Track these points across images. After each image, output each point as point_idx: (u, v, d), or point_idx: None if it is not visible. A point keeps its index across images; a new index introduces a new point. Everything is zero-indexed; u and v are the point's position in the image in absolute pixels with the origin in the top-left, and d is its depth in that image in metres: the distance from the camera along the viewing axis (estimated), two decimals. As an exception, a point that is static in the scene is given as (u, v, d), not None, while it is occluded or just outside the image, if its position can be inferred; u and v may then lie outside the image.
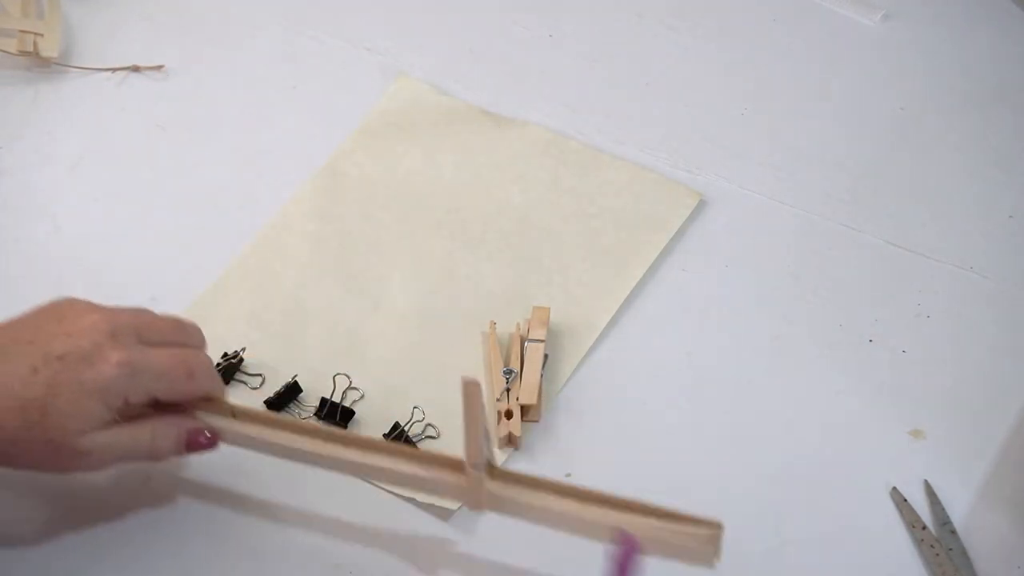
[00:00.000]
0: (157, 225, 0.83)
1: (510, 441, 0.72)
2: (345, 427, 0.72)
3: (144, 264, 0.80)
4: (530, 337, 0.76)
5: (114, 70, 0.92)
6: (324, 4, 0.97)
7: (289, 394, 0.74)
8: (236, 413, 0.66)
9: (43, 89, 0.90)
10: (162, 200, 0.85)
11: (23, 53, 0.89)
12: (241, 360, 0.75)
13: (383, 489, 0.69)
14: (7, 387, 0.58)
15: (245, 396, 0.74)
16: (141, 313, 0.64)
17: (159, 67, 0.92)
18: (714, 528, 0.60)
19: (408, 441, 0.72)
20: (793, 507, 0.71)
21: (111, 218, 0.84)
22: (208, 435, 0.65)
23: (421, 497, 0.68)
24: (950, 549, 0.69)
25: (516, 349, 0.76)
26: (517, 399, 0.73)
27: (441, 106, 0.90)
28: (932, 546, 0.69)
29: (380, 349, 0.77)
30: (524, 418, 0.73)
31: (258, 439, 0.65)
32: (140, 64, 0.92)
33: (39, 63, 0.91)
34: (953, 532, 0.69)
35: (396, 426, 0.72)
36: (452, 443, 0.69)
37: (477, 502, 0.64)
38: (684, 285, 0.81)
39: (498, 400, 0.73)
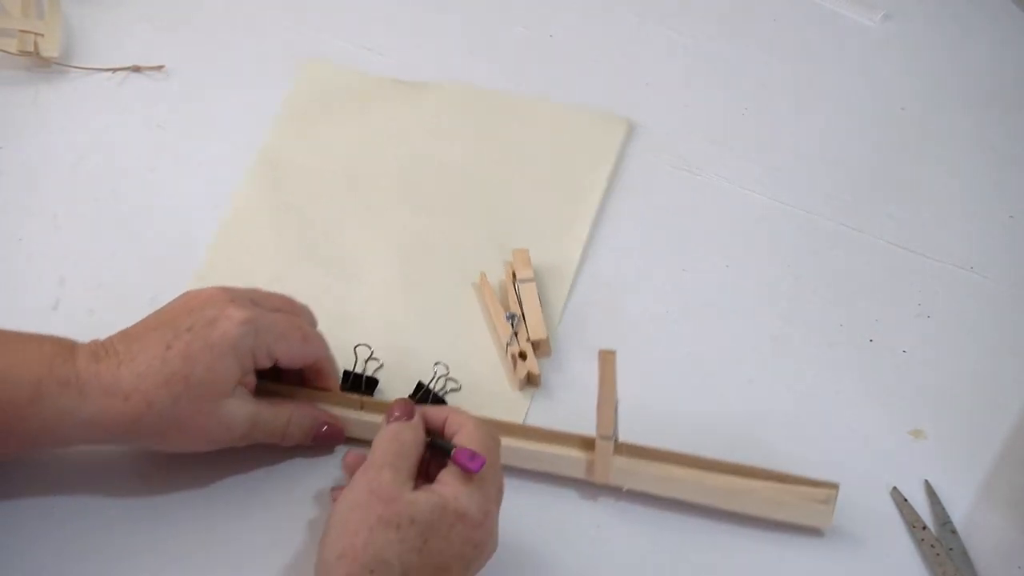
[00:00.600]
0: (157, 225, 0.83)
1: (530, 381, 0.75)
2: (372, 396, 0.74)
3: (144, 264, 0.80)
4: (520, 278, 0.78)
5: (114, 70, 0.92)
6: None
7: None
8: (364, 404, 0.70)
9: (43, 89, 0.90)
10: (162, 200, 0.85)
11: (23, 53, 0.89)
12: None
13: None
14: (149, 367, 0.63)
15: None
16: (254, 288, 0.69)
17: (159, 67, 0.92)
18: (831, 488, 0.67)
19: (436, 397, 0.74)
20: (793, 507, 0.71)
21: (111, 218, 0.84)
22: (338, 433, 0.70)
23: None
24: (950, 549, 0.69)
25: (511, 294, 0.78)
26: (527, 339, 0.75)
27: (353, 83, 0.92)
28: (932, 546, 0.69)
29: (376, 319, 0.78)
30: (537, 355, 0.75)
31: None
32: (140, 64, 0.92)
33: (39, 63, 0.91)
34: (953, 532, 0.69)
35: (420, 386, 0.74)
36: (472, 393, 0.74)
37: (604, 474, 0.68)
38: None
39: (508, 345, 0.75)
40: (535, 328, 0.76)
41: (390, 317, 0.78)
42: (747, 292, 0.81)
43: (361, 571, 0.57)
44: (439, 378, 0.74)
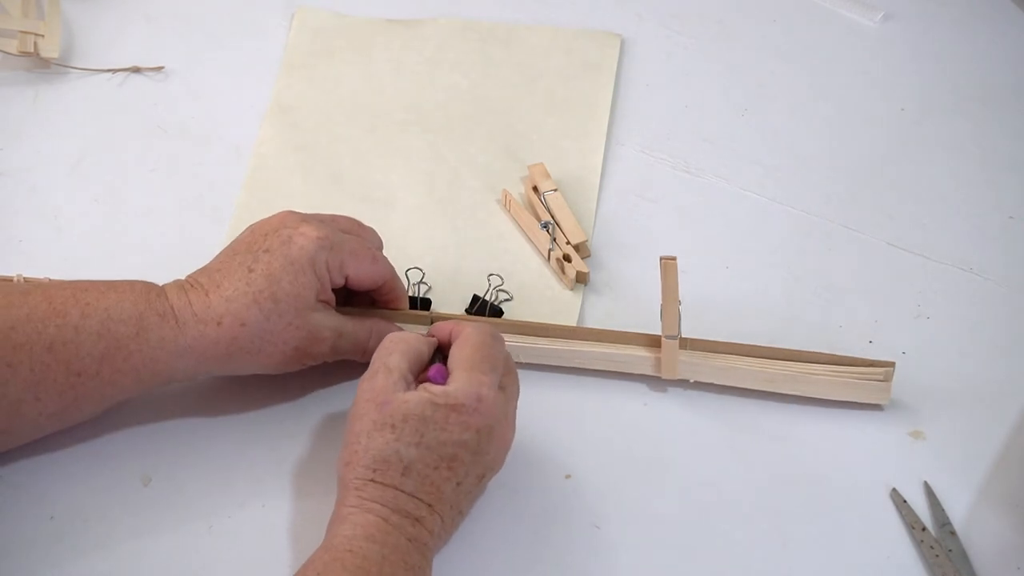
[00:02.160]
0: (157, 225, 0.83)
1: (579, 280, 0.80)
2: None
3: (144, 263, 0.80)
4: (544, 190, 0.82)
5: (114, 71, 0.92)
6: None
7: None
8: (434, 319, 0.74)
9: (43, 89, 0.90)
10: (162, 200, 0.85)
11: (24, 53, 0.89)
12: None
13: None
14: (236, 291, 0.67)
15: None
16: (317, 212, 0.72)
17: (159, 67, 0.92)
18: (888, 366, 0.72)
19: (493, 308, 0.78)
20: (793, 507, 0.71)
21: (111, 218, 0.84)
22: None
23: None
24: (950, 550, 0.69)
25: (537, 205, 0.83)
26: (568, 243, 0.80)
27: (347, 26, 0.95)
28: (932, 547, 0.69)
29: (417, 243, 0.82)
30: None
31: None
32: (140, 64, 0.92)
33: (39, 64, 0.91)
34: (953, 533, 0.69)
35: (476, 298, 0.79)
36: (522, 302, 0.79)
37: (672, 370, 0.73)
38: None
39: (551, 251, 0.80)
40: (573, 232, 0.81)
41: (429, 239, 0.83)
42: (747, 292, 0.81)
43: (364, 472, 0.62)
44: (494, 289, 0.79)
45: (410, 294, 0.78)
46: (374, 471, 0.62)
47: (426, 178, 0.86)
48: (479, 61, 0.93)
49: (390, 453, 0.62)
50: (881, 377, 0.73)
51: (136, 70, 0.92)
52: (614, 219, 0.84)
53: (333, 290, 0.70)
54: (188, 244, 0.82)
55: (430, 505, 0.62)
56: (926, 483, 0.72)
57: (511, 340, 0.73)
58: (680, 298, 0.70)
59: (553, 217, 0.82)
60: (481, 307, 0.78)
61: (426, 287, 0.79)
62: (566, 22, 0.96)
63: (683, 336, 0.72)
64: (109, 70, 0.92)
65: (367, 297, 0.74)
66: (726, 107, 0.92)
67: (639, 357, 0.74)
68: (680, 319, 0.71)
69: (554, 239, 0.81)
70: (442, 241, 0.83)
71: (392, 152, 0.88)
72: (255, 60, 0.93)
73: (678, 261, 0.68)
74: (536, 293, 0.80)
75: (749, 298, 0.81)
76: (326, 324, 0.69)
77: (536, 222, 0.82)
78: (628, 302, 0.80)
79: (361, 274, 0.70)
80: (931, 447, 0.74)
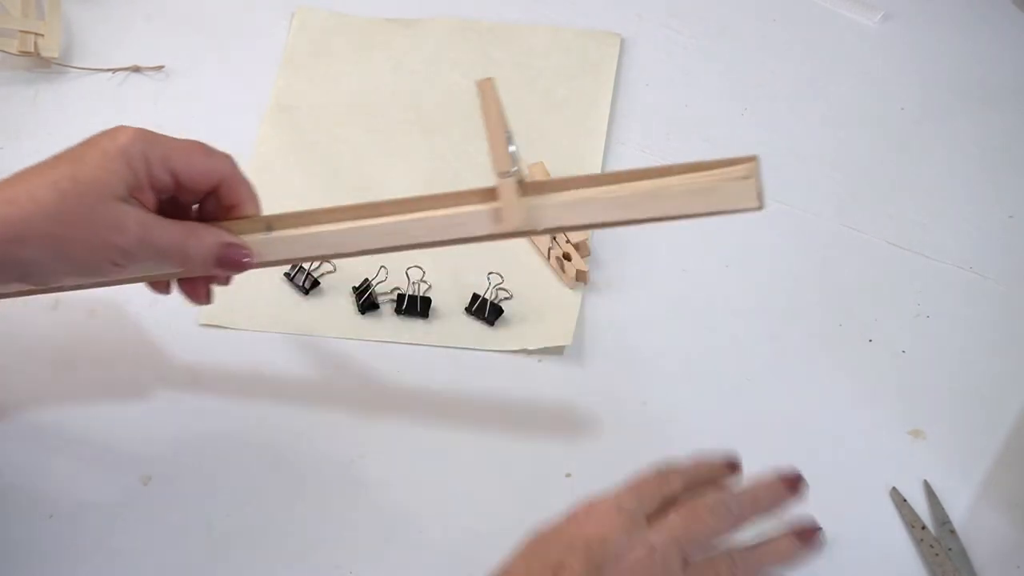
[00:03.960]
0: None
1: (579, 278, 0.80)
2: (427, 316, 0.79)
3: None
4: None
5: (114, 70, 0.92)
6: None
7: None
8: (272, 224, 0.64)
9: (43, 89, 0.90)
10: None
11: (24, 53, 0.89)
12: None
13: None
14: (35, 172, 0.59)
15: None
16: None
17: (159, 67, 0.92)
18: (750, 161, 0.59)
19: (493, 306, 0.78)
20: (793, 507, 0.71)
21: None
22: (244, 251, 0.63)
23: (532, 345, 0.77)
24: (950, 549, 0.69)
25: None
26: (567, 242, 0.80)
27: (347, 25, 0.95)
28: (932, 546, 0.69)
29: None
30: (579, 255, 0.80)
31: (298, 246, 0.63)
32: (140, 64, 0.92)
33: (39, 63, 0.91)
34: (953, 532, 0.69)
35: (475, 296, 0.79)
36: (525, 298, 0.80)
37: (513, 218, 0.62)
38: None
39: (551, 250, 0.81)
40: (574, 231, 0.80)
41: None
42: (747, 292, 0.81)
43: None
44: (494, 288, 0.79)
45: (410, 293, 0.78)
46: None
47: (426, 178, 0.86)
48: (479, 61, 0.93)
49: None
50: (743, 174, 0.60)
51: (136, 70, 0.92)
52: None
53: (165, 200, 0.63)
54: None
55: None
56: (926, 482, 0.72)
57: (318, 229, 0.64)
58: (510, 130, 0.61)
59: None
60: (481, 306, 0.78)
61: (426, 286, 0.79)
62: (566, 22, 0.96)
63: (523, 180, 0.62)
64: (109, 70, 0.92)
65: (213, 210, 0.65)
66: (726, 107, 0.92)
67: (475, 213, 0.63)
68: (516, 155, 0.62)
69: (554, 238, 0.81)
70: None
71: (392, 152, 0.88)
72: (255, 60, 0.93)
73: (496, 87, 0.60)
74: (536, 292, 0.80)
75: (749, 298, 0.81)
76: (131, 215, 0.60)
77: None
78: (628, 301, 0.80)
79: (193, 169, 0.62)
80: (931, 446, 0.74)
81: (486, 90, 0.61)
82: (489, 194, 0.63)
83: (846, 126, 0.91)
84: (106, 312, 0.78)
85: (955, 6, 0.99)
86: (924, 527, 0.70)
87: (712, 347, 0.78)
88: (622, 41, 0.94)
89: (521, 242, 0.83)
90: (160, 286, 0.66)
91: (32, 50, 0.89)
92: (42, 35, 0.90)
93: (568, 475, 0.72)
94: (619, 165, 0.87)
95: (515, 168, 0.61)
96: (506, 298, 0.79)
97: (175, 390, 0.74)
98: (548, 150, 0.87)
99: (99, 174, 0.59)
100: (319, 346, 0.78)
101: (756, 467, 0.72)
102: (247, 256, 0.63)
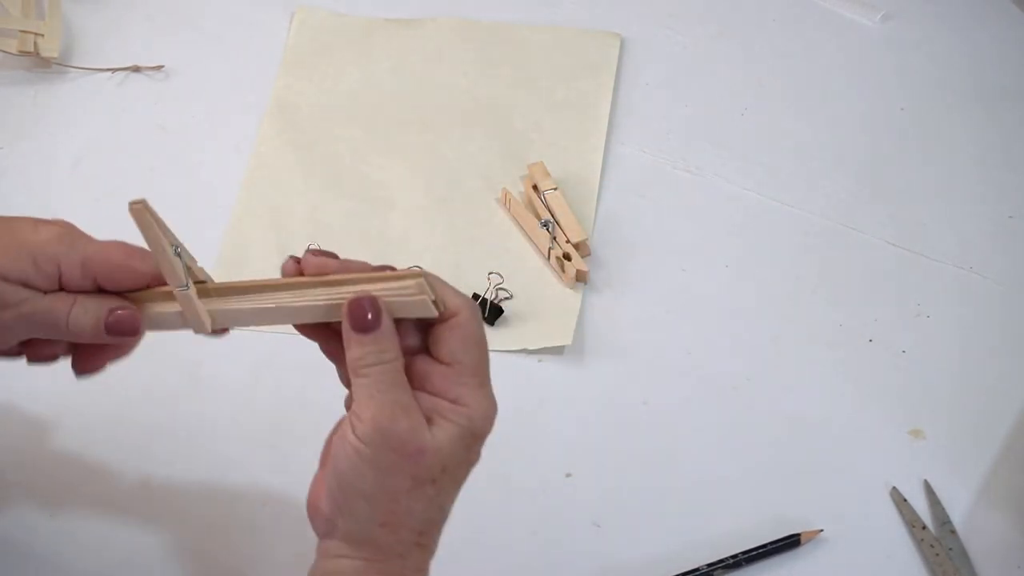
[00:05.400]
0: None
1: (579, 278, 0.80)
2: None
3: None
4: (544, 188, 0.82)
5: (114, 70, 0.92)
6: None
7: None
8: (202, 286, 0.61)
9: (43, 89, 0.90)
10: (162, 199, 0.84)
11: (24, 53, 0.89)
12: None
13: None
14: None
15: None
16: None
17: (159, 67, 0.92)
18: (416, 277, 0.56)
19: (494, 306, 0.78)
20: (793, 507, 0.71)
21: (111, 218, 0.83)
22: (132, 314, 0.60)
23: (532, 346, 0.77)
24: (950, 549, 0.69)
25: (537, 204, 0.83)
26: (567, 241, 0.80)
27: (347, 25, 0.95)
28: (932, 546, 0.69)
29: (417, 242, 0.83)
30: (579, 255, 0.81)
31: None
32: (140, 64, 0.92)
33: (40, 63, 0.91)
34: (953, 532, 0.69)
35: (475, 297, 0.78)
36: (525, 298, 0.80)
37: (199, 322, 0.60)
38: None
39: (551, 250, 0.81)
40: (573, 231, 0.81)
41: (429, 238, 0.83)
42: (747, 292, 0.81)
43: (409, 536, 0.53)
44: (494, 288, 0.79)
45: None
46: (419, 534, 0.53)
47: (426, 177, 0.86)
48: (479, 61, 0.93)
49: (434, 512, 0.54)
50: (413, 291, 0.57)
51: (136, 69, 0.92)
52: (614, 218, 0.84)
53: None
54: (188, 244, 0.82)
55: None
56: (926, 482, 0.72)
57: None
58: (179, 241, 0.60)
59: (553, 216, 0.82)
60: (481, 306, 0.78)
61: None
62: (566, 22, 0.96)
63: (213, 283, 0.60)
64: (109, 69, 0.92)
65: None
66: (726, 107, 0.92)
67: (169, 315, 0.61)
68: (188, 264, 0.60)
69: (554, 238, 0.81)
70: (442, 240, 0.83)
71: (392, 151, 0.88)
72: (255, 59, 0.93)
73: (150, 206, 0.59)
74: (536, 292, 0.80)
75: (749, 297, 0.81)
76: (15, 295, 0.58)
77: (536, 221, 0.82)
78: (628, 300, 0.80)
79: (113, 277, 0.60)
80: (931, 446, 0.74)
81: (140, 214, 0.58)
82: (170, 295, 0.60)
83: (846, 126, 0.91)
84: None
85: (955, 6, 0.99)
86: (924, 527, 0.70)
87: (712, 347, 0.78)
88: (622, 41, 0.94)
89: (521, 242, 0.83)
90: (43, 356, 0.62)
91: (32, 50, 0.89)
92: (42, 35, 0.90)
93: (568, 475, 0.72)
94: (619, 165, 0.87)
95: (187, 281, 0.60)
96: (506, 298, 0.79)
97: (175, 390, 0.74)
98: (548, 150, 0.87)
99: (1, 260, 0.58)
100: (319, 346, 0.77)
101: (756, 467, 0.73)
102: (135, 327, 0.60)
